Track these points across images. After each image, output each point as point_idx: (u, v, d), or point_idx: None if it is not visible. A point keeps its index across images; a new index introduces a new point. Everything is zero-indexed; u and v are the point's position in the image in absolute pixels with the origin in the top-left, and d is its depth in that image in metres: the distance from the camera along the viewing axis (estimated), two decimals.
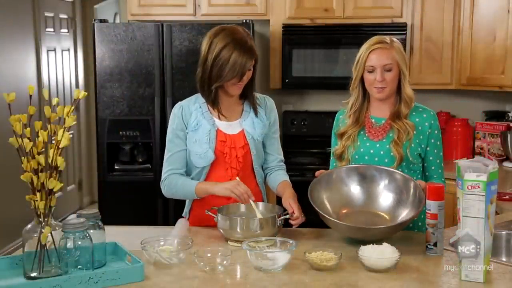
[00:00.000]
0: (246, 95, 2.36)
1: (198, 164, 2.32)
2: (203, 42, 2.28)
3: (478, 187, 1.70)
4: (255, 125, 2.34)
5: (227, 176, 2.29)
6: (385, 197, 2.20)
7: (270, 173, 2.43)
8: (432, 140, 2.28)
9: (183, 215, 2.46)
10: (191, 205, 2.41)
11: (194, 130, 2.31)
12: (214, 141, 2.30)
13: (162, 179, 2.36)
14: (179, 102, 2.40)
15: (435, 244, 1.95)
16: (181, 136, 2.34)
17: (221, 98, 2.32)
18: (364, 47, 2.26)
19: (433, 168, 2.29)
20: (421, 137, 2.26)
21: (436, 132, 2.28)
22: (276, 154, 2.45)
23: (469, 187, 1.71)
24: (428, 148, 2.27)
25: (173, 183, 2.32)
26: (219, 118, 2.33)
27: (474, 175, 1.72)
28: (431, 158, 2.28)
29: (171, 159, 2.35)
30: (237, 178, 2.24)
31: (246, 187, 2.17)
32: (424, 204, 2.03)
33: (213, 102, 2.30)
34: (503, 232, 2.26)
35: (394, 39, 2.28)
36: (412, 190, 2.14)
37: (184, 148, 2.34)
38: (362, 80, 2.28)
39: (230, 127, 2.33)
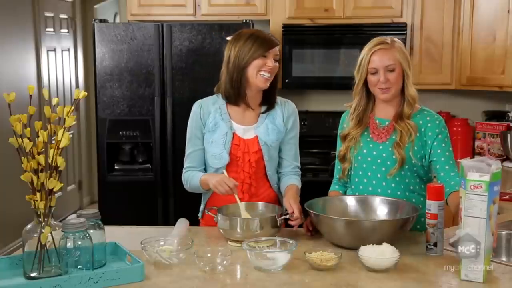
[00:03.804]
0: (267, 100, 2.38)
1: (214, 164, 2.35)
2: (226, 47, 2.33)
3: (481, 187, 1.70)
4: (270, 131, 2.35)
5: (240, 179, 2.31)
6: (382, 209, 2.20)
7: (283, 177, 2.44)
8: (442, 145, 2.22)
9: (198, 215, 2.49)
10: (204, 205, 2.44)
11: (211, 130, 2.34)
12: (229, 143, 2.32)
13: (182, 175, 2.43)
14: (199, 100, 2.42)
15: (435, 244, 1.95)
16: (199, 135, 2.38)
17: (248, 98, 2.34)
18: (365, 49, 2.24)
19: (451, 175, 2.20)
20: (425, 139, 2.23)
21: (440, 136, 2.22)
22: (291, 160, 2.44)
23: (472, 187, 1.71)
24: (438, 151, 2.22)
25: (187, 179, 2.39)
26: (231, 115, 2.35)
27: (477, 175, 1.72)
28: (446, 167, 2.20)
29: (190, 157, 2.41)
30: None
31: (231, 182, 2.18)
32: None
33: (239, 93, 2.30)
34: (503, 232, 2.26)
35: (396, 39, 2.26)
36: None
37: (202, 147, 2.38)
38: (365, 82, 2.27)
39: (245, 132, 2.35)
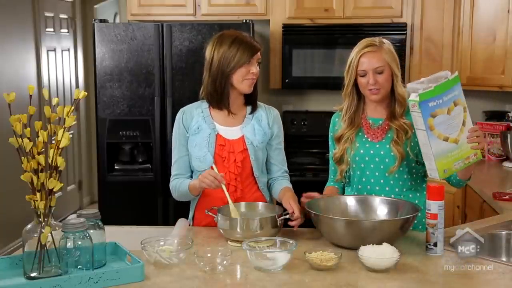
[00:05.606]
0: (249, 101, 2.39)
1: (198, 167, 2.34)
2: (207, 48, 2.32)
3: (415, 105, 1.96)
4: (256, 131, 2.35)
5: (226, 181, 2.28)
6: (382, 209, 2.21)
7: (274, 183, 2.44)
8: None
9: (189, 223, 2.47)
10: (193, 212, 2.43)
11: (194, 133, 2.34)
12: (213, 145, 2.32)
13: (170, 184, 2.42)
14: (182, 108, 2.42)
15: (435, 244, 1.95)
16: (183, 142, 2.37)
17: (230, 101, 2.33)
18: (354, 51, 2.27)
19: None
20: None
21: None
22: (280, 165, 2.45)
23: (412, 106, 1.99)
24: None
25: (174, 186, 2.38)
26: (217, 120, 2.35)
27: (414, 96, 1.97)
28: None
29: (176, 165, 2.40)
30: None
31: (215, 173, 2.16)
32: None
33: (221, 97, 2.29)
34: (503, 232, 2.26)
35: (384, 40, 2.29)
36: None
37: (187, 153, 2.38)
38: (355, 84, 2.29)
39: (230, 132, 2.34)
